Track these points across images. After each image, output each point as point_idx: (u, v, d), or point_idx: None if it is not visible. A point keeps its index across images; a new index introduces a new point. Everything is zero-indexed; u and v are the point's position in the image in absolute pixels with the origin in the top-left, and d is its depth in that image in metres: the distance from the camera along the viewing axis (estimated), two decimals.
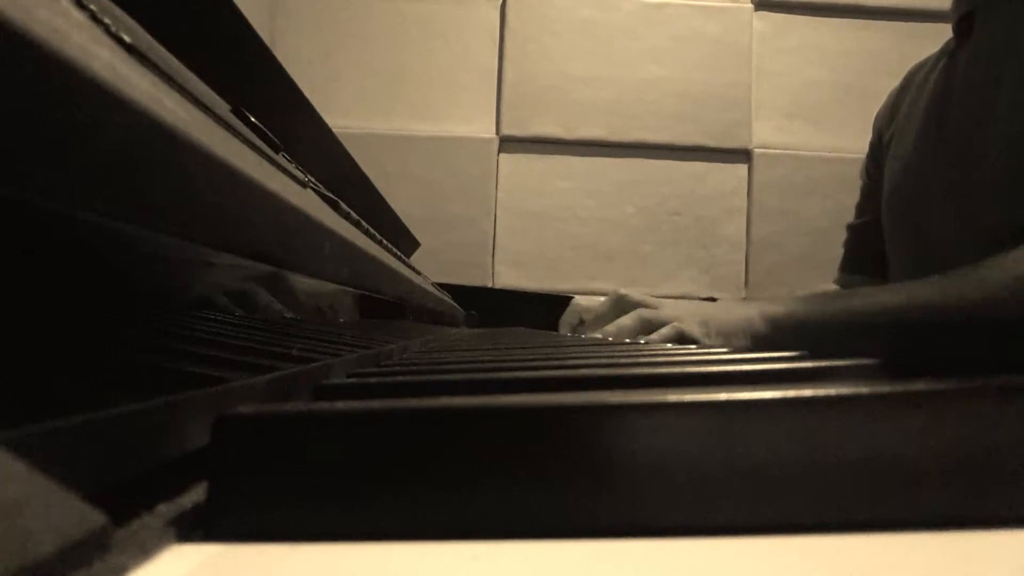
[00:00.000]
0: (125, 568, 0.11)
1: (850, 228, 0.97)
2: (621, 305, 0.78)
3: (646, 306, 0.76)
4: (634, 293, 0.79)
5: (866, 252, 0.92)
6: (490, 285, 1.73)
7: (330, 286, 0.49)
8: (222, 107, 0.27)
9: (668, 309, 0.75)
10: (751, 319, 0.71)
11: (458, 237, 1.72)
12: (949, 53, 0.79)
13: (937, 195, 0.74)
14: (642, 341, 0.69)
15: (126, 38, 0.16)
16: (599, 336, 0.77)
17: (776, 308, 0.72)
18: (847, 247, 0.97)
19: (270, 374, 0.25)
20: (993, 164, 0.67)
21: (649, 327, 0.73)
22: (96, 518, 0.10)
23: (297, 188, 0.31)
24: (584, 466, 0.14)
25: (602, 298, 0.84)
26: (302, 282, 0.44)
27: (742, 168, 1.77)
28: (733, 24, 1.78)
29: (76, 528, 0.09)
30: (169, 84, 0.18)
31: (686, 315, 0.73)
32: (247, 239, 0.20)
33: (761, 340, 0.70)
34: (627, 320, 0.75)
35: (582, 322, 0.93)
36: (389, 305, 0.66)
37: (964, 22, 0.76)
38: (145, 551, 0.12)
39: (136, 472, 0.15)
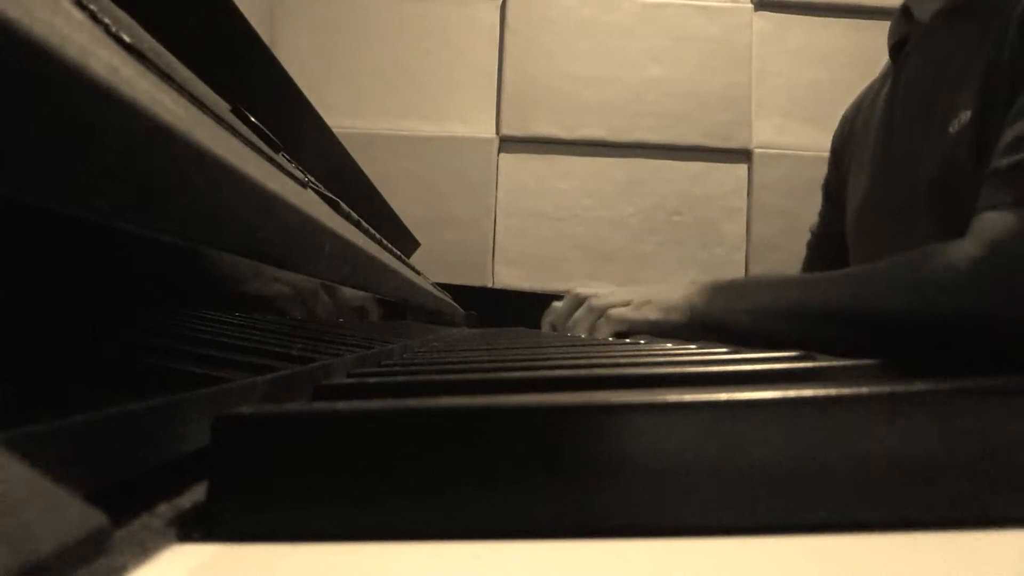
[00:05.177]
0: (125, 568, 0.11)
1: (812, 234, 1.03)
2: (576, 302, 0.88)
3: (596, 297, 0.86)
4: (587, 289, 0.88)
5: (823, 259, 0.98)
6: (490, 285, 1.72)
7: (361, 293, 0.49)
8: (222, 107, 0.27)
9: (615, 296, 0.85)
10: (690, 295, 0.81)
11: (458, 237, 1.72)
12: (892, 77, 0.82)
13: (891, 215, 0.78)
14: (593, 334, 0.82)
15: (126, 38, 0.16)
16: (560, 332, 0.89)
17: (714, 284, 0.81)
18: (809, 249, 1.03)
19: (270, 374, 0.25)
20: (932, 184, 0.71)
21: (599, 314, 0.84)
22: (96, 518, 0.10)
23: (297, 188, 0.31)
24: (584, 466, 0.14)
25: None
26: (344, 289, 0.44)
27: (742, 168, 1.77)
28: (733, 24, 1.78)
29: (76, 528, 0.09)
30: (169, 84, 0.18)
31: (631, 297, 0.83)
32: (247, 239, 0.20)
33: (698, 312, 0.79)
34: (579, 312, 0.86)
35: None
36: (389, 305, 0.66)
37: (899, 48, 0.81)
38: (145, 551, 0.12)
39: (136, 472, 0.15)
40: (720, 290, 0.79)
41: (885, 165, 0.80)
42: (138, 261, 0.19)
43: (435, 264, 1.56)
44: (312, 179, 0.42)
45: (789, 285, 0.76)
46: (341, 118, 1.64)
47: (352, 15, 1.74)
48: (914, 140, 0.75)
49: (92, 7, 0.15)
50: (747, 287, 0.79)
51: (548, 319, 1.04)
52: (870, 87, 0.91)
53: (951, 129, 0.69)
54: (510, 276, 1.74)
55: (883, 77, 0.87)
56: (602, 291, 0.87)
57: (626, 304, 0.83)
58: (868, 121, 0.86)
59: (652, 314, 0.81)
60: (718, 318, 0.77)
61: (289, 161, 0.37)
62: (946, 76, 0.72)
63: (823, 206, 1.00)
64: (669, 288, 0.84)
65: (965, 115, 0.67)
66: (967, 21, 0.71)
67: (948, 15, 0.74)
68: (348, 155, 0.87)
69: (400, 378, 0.28)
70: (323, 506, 0.14)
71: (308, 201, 0.31)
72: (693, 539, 0.13)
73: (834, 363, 0.26)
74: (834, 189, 0.96)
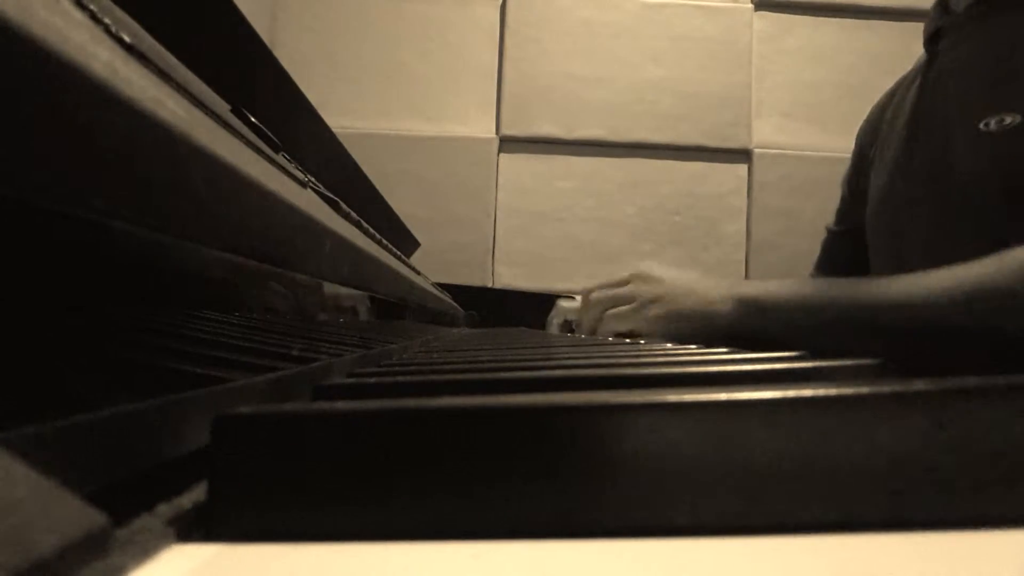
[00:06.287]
0: (125, 568, 0.11)
1: (829, 232, 0.99)
2: (633, 275, 0.81)
3: (595, 292, 0.81)
4: (655, 268, 0.80)
5: (839, 258, 0.95)
6: (490, 285, 1.73)
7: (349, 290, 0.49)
8: (222, 107, 0.27)
9: (662, 287, 0.78)
10: (714, 304, 0.74)
11: (458, 237, 1.72)
12: (923, 70, 0.81)
13: (913, 209, 0.76)
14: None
15: (126, 38, 0.16)
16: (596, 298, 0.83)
17: (744, 298, 0.75)
18: (824, 249, 1.00)
19: (270, 374, 0.25)
20: (957, 180, 0.69)
21: (599, 311, 0.79)
22: (96, 518, 0.10)
23: (297, 188, 0.31)
24: (584, 466, 0.14)
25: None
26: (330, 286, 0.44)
27: (742, 168, 1.77)
28: (733, 24, 1.78)
29: (76, 528, 0.09)
30: (169, 84, 0.18)
31: (668, 296, 0.77)
32: (247, 239, 0.20)
33: (722, 325, 0.73)
34: (619, 290, 0.80)
35: (567, 322, 1.02)
36: (389, 305, 0.66)
37: (933, 41, 0.79)
38: (145, 551, 0.12)
39: (136, 472, 0.15)
40: (755, 305, 0.72)
41: (911, 156, 0.78)
42: (137, 261, 0.19)
43: (435, 264, 1.56)
44: (312, 179, 0.42)
45: (807, 287, 0.70)
46: (341, 118, 1.64)
47: (352, 15, 1.74)
48: (943, 132, 0.73)
49: (92, 7, 0.15)
50: (776, 288, 0.73)
51: (556, 320, 1.02)
52: (901, 81, 0.89)
53: (983, 127, 0.66)
54: (510, 276, 1.74)
55: (915, 71, 0.85)
56: (661, 274, 0.79)
57: (630, 302, 0.77)
58: (897, 114, 0.84)
59: (658, 325, 0.75)
60: (751, 334, 0.70)
61: (289, 161, 0.37)
62: (979, 70, 0.70)
63: (842, 202, 0.97)
64: (701, 296, 0.76)
65: (1013, 118, 0.65)
66: (1003, 14, 0.69)
67: (982, 7, 0.72)
68: (348, 155, 0.87)
69: (400, 378, 0.28)
70: (323, 506, 0.14)
71: (308, 201, 0.31)
72: (693, 539, 0.13)
73: (834, 363, 0.26)
74: (855, 184, 0.93)
